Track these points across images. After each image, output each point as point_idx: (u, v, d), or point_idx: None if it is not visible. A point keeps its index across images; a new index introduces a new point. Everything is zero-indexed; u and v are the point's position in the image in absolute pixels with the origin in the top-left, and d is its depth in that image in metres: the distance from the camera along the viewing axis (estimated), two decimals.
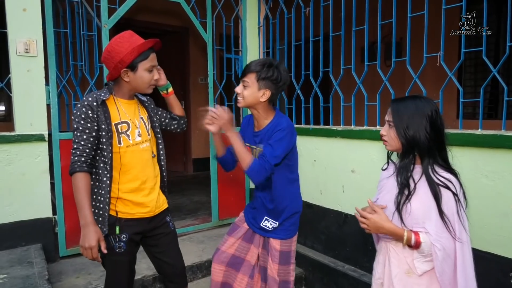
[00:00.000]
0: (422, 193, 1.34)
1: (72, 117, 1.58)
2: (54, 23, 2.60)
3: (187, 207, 4.09)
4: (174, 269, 1.84)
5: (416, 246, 1.32)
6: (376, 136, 2.37)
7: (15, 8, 2.36)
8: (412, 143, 1.34)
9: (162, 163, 1.81)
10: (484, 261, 1.87)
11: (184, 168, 6.12)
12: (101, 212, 1.59)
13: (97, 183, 1.60)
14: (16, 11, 2.37)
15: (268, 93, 1.74)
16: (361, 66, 2.63)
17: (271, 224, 1.88)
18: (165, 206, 1.82)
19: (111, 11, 2.71)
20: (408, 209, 1.35)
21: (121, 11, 2.76)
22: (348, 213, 2.61)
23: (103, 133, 1.56)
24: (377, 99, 2.44)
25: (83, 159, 1.51)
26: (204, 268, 2.72)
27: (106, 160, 1.58)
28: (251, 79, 1.73)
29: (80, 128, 1.53)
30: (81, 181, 1.49)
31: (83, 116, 1.53)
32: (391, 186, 1.44)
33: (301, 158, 2.94)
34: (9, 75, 2.41)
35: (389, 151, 1.49)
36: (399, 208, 1.36)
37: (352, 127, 2.58)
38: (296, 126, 3.02)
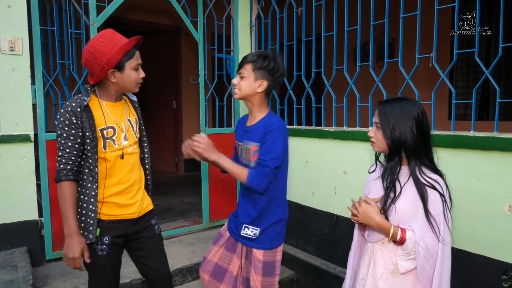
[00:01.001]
0: (409, 193, 1.36)
1: (56, 123, 1.52)
2: (41, 21, 2.54)
3: (178, 209, 4.04)
4: (158, 274, 1.80)
5: (400, 242, 1.34)
6: (368, 138, 2.34)
7: None
8: (398, 144, 1.35)
9: (147, 166, 1.77)
10: (476, 264, 1.86)
11: (175, 168, 6.05)
12: (88, 219, 1.55)
13: (82, 190, 1.55)
14: (1, 8, 2.30)
15: (265, 84, 1.73)
16: (353, 66, 2.60)
17: (251, 231, 1.78)
18: (150, 207, 1.78)
19: (99, 9, 2.65)
20: (393, 210, 1.37)
21: (110, 9, 2.70)
22: (340, 215, 2.59)
23: (88, 141, 1.51)
24: (369, 100, 2.42)
25: (69, 167, 1.48)
26: (194, 271, 2.67)
27: (92, 167, 1.53)
28: (247, 69, 1.72)
29: (64, 135, 1.48)
30: (67, 190, 1.47)
31: (66, 122, 1.47)
32: (378, 188, 1.45)
33: (293, 159, 2.93)
34: None
35: (377, 152, 1.51)
36: (384, 208, 1.38)
37: (344, 128, 2.56)
38: (288, 127, 2.99)
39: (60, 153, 1.49)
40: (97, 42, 1.48)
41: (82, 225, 1.55)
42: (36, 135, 2.51)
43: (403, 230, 1.34)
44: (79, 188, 1.55)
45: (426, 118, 1.38)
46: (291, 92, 2.97)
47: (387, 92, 2.34)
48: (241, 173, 1.67)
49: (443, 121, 4.54)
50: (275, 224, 1.80)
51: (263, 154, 1.68)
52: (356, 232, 1.62)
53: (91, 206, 1.54)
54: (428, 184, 1.33)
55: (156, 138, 5.66)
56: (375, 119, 1.42)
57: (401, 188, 1.36)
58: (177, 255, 2.78)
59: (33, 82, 2.47)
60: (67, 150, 1.48)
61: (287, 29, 2.97)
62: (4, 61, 2.33)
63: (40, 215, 2.56)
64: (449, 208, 1.36)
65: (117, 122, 1.60)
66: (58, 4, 2.82)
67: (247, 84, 1.73)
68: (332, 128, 2.62)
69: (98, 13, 2.64)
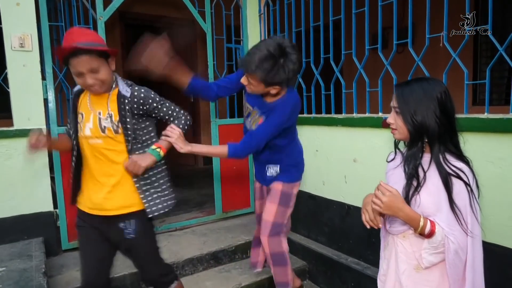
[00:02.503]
0: (431, 183, 1.25)
1: None
2: (52, 17, 2.58)
3: (194, 200, 4.07)
4: (141, 276, 1.88)
5: (429, 235, 1.23)
6: (377, 124, 2.26)
7: (8, 2, 2.35)
8: (420, 129, 1.24)
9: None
10: (491, 254, 1.75)
11: (194, 161, 6.11)
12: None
13: None
14: (10, 5, 2.36)
15: (277, 88, 1.69)
16: (370, 52, 2.46)
17: (273, 169, 1.97)
18: (124, 211, 1.65)
19: (106, 3, 2.68)
20: (417, 201, 1.26)
21: (116, 2, 2.72)
22: (351, 205, 2.52)
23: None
24: (379, 85, 2.32)
25: (66, 130, 1.84)
26: (204, 261, 2.68)
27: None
28: (254, 78, 1.61)
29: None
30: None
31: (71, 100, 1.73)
32: (398, 177, 1.34)
33: (303, 148, 2.85)
34: (6, 70, 2.42)
35: (396, 140, 1.39)
36: (407, 200, 1.27)
37: (354, 115, 2.47)
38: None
39: None
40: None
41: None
42: (49, 129, 2.58)
43: (432, 222, 1.23)
44: None
45: (450, 98, 1.25)
46: (300, 80, 2.90)
47: (398, 76, 2.23)
48: (220, 151, 1.75)
49: (468, 106, 4.33)
50: (291, 166, 1.98)
51: (261, 127, 1.75)
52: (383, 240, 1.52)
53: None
54: (452, 173, 1.22)
55: None
56: (393, 103, 1.30)
57: (425, 174, 1.25)
58: (188, 245, 2.81)
59: (43, 77, 2.54)
60: (68, 120, 1.76)
61: (295, 15, 2.89)
62: (15, 58, 2.40)
63: (55, 206, 2.64)
64: (477, 197, 1.25)
65: (85, 111, 1.65)
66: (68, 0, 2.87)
67: (258, 90, 1.71)
68: (341, 115, 2.54)
69: (104, 7, 2.67)
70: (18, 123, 2.45)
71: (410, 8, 2.13)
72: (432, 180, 1.25)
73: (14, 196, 2.48)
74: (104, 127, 1.61)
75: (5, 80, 2.46)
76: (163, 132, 1.68)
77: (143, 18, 5.26)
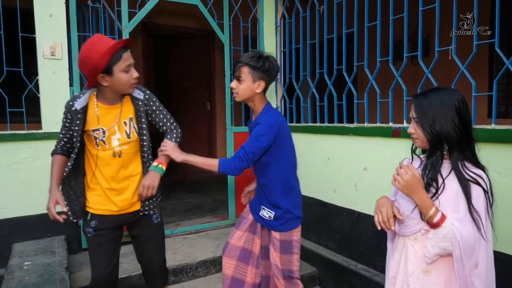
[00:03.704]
0: (450, 188, 1.29)
1: None
2: (81, 28, 2.75)
3: (208, 206, 4.18)
4: (149, 264, 1.88)
5: (437, 224, 1.26)
6: (388, 133, 2.32)
7: (42, 14, 2.54)
8: (439, 138, 1.28)
9: (148, 164, 1.79)
10: (497, 263, 1.77)
11: None
12: (74, 202, 1.76)
13: (74, 176, 1.75)
14: (43, 17, 2.54)
15: (262, 84, 1.80)
16: (382, 64, 2.53)
17: (267, 213, 1.90)
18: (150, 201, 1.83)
19: (131, 15, 2.84)
20: (436, 204, 1.30)
21: (140, 14, 2.89)
22: (361, 212, 2.57)
23: (75, 134, 1.67)
24: (389, 96, 2.39)
25: (58, 146, 1.77)
26: (217, 264, 2.77)
27: (79, 160, 1.74)
28: (244, 72, 1.78)
29: (62, 123, 1.74)
30: (53, 160, 1.75)
31: (64, 114, 1.71)
32: None
33: (315, 156, 2.95)
34: (37, 77, 2.59)
35: (413, 146, 1.45)
36: None
37: (365, 124, 2.54)
38: (310, 124, 3.03)
39: (59, 135, 1.78)
40: (85, 48, 1.53)
41: (71, 206, 1.76)
42: None
43: (443, 215, 1.26)
44: (73, 173, 1.73)
45: (467, 106, 1.30)
46: (314, 90, 2.99)
47: (409, 88, 2.29)
48: (212, 164, 1.74)
49: (483, 119, 4.33)
50: (287, 212, 1.88)
51: (247, 142, 1.77)
52: (389, 243, 1.56)
53: (76, 192, 1.76)
54: (471, 179, 1.26)
55: (191, 138, 5.88)
56: (412, 114, 1.35)
57: (443, 181, 1.29)
58: (202, 248, 2.90)
59: (71, 84, 2.70)
60: (60, 136, 1.76)
61: (309, 28, 3.00)
62: (46, 65, 2.57)
63: None
64: (491, 204, 1.29)
65: (106, 126, 1.67)
66: (96, 12, 3.05)
67: (246, 87, 1.79)
68: (353, 125, 2.61)
69: (129, 19, 2.83)
70: (46, 126, 2.62)
71: (420, 21, 2.20)
72: (451, 185, 1.29)
73: (40, 195, 2.62)
74: (130, 132, 1.72)
75: (36, 86, 2.63)
76: (159, 149, 1.74)
77: (165, 29, 5.48)
